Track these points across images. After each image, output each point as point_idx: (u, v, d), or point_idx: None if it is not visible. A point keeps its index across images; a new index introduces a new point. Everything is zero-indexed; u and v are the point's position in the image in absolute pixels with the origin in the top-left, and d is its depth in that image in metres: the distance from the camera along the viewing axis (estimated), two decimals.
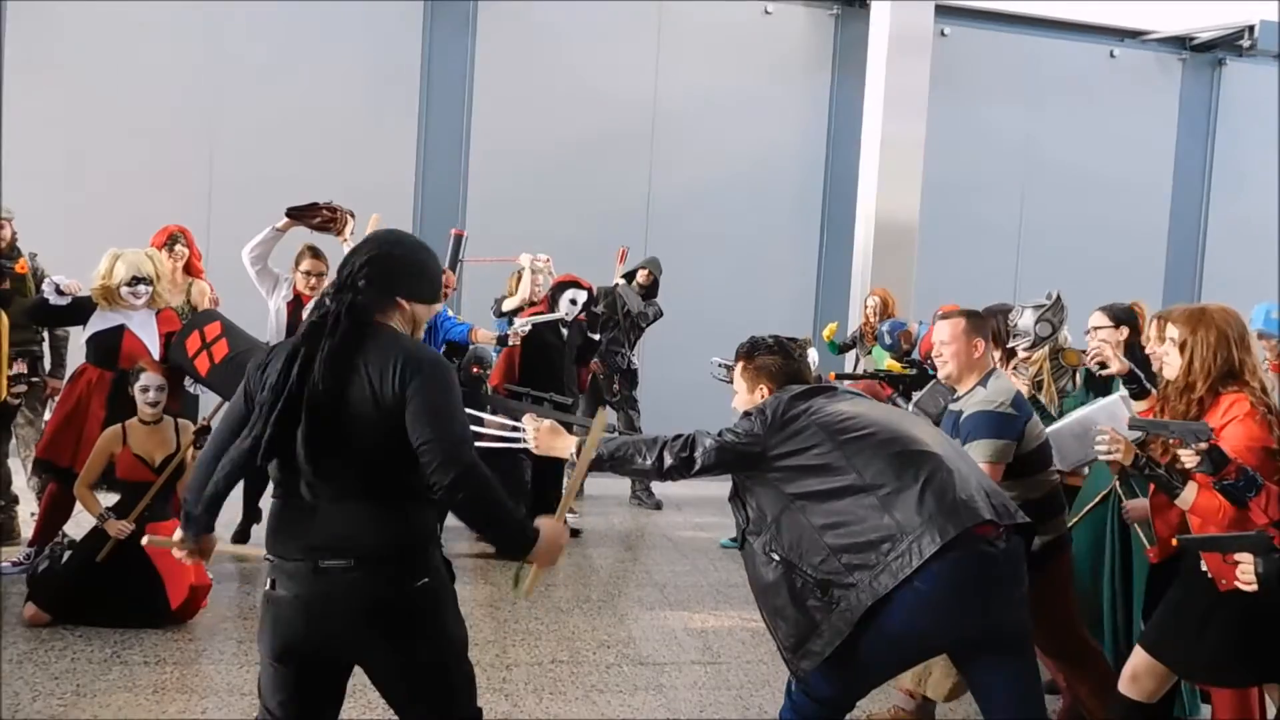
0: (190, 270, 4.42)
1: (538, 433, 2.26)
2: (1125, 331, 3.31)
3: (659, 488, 6.06)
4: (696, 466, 2.22)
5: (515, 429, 2.34)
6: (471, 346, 4.70)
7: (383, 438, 1.75)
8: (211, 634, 3.52)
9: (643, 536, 5.44)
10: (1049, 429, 2.89)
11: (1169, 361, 2.48)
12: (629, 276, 5.95)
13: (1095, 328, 3.34)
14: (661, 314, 6.03)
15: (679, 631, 3.85)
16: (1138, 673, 2.43)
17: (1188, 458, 2.22)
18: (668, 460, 2.23)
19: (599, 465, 2.22)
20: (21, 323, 4.05)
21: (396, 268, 1.85)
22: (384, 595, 1.76)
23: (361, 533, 1.76)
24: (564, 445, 2.26)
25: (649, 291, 5.97)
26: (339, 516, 1.76)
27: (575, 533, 5.27)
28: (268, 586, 1.83)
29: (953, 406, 2.80)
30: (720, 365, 4.23)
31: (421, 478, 1.74)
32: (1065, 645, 2.76)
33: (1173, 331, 2.48)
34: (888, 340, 5.44)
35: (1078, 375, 3.60)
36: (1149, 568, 2.86)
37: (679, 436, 2.26)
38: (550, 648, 3.61)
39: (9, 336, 3.80)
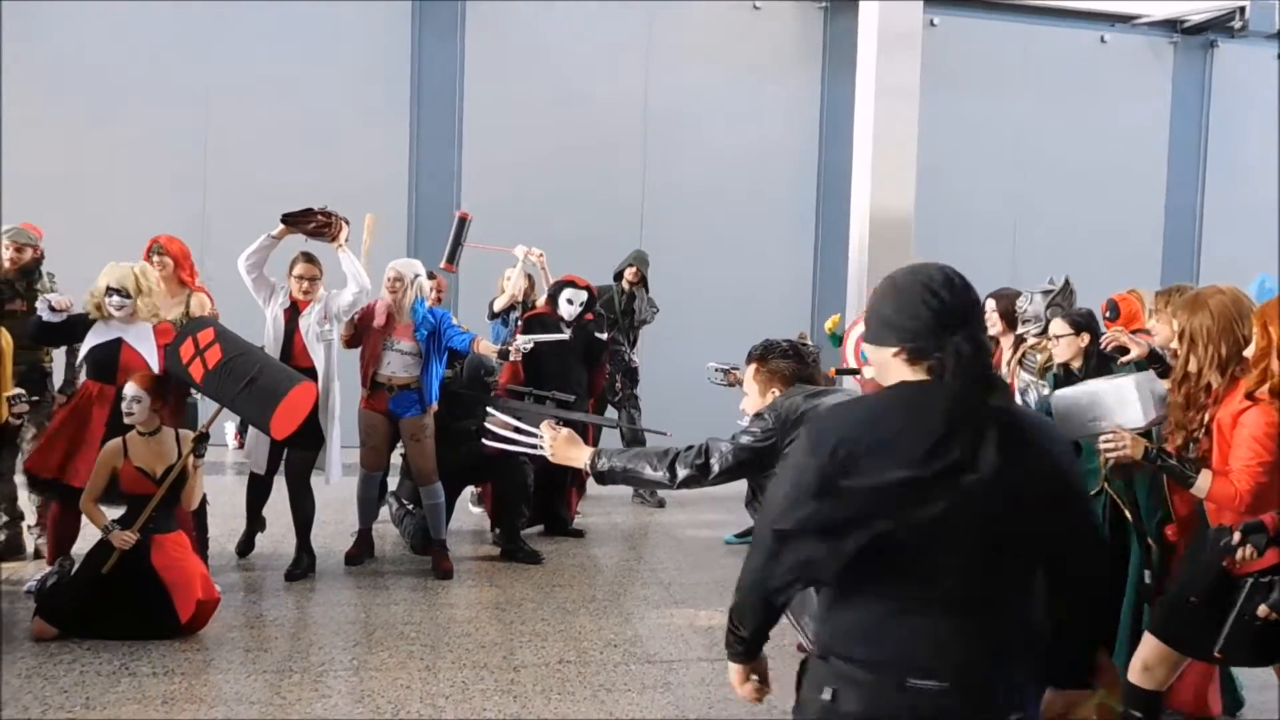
0: (184, 281, 4.42)
1: (554, 442, 2.23)
2: (1086, 338, 3.28)
3: None
4: (714, 472, 2.19)
5: (533, 435, 2.29)
6: (473, 355, 4.69)
7: None
8: (219, 644, 3.53)
9: (646, 535, 5.45)
10: (1056, 394, 2.87)
11: (1180, 351, 2.50)
12: (617, 276, 5.90)
13: (1056, 335, 3.34)
14: (657, 309, 6.01)
15: (685, 629, 3.86)
16: (1150, 662, 2.43)
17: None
18: (681, 471, 2.19)
19: (609, 479, 2.19)
20: (27, 344, 4.05)
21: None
22: None
23: None
24: (580, 455, 2.22)
25: (643, 285, 5.93)
26: None
27: (579, 533, 5.28)
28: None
29: None
30: (716, 370, 4.20)
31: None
32: None
33: (1176, 322, 2.50)
34: None
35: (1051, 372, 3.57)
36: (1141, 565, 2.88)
37: (691, 447, 2.23)
38: (557, 648, 3.62)
39: (19, 355, 3.76)
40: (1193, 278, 8.91)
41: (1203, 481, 2.33)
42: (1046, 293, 3.66)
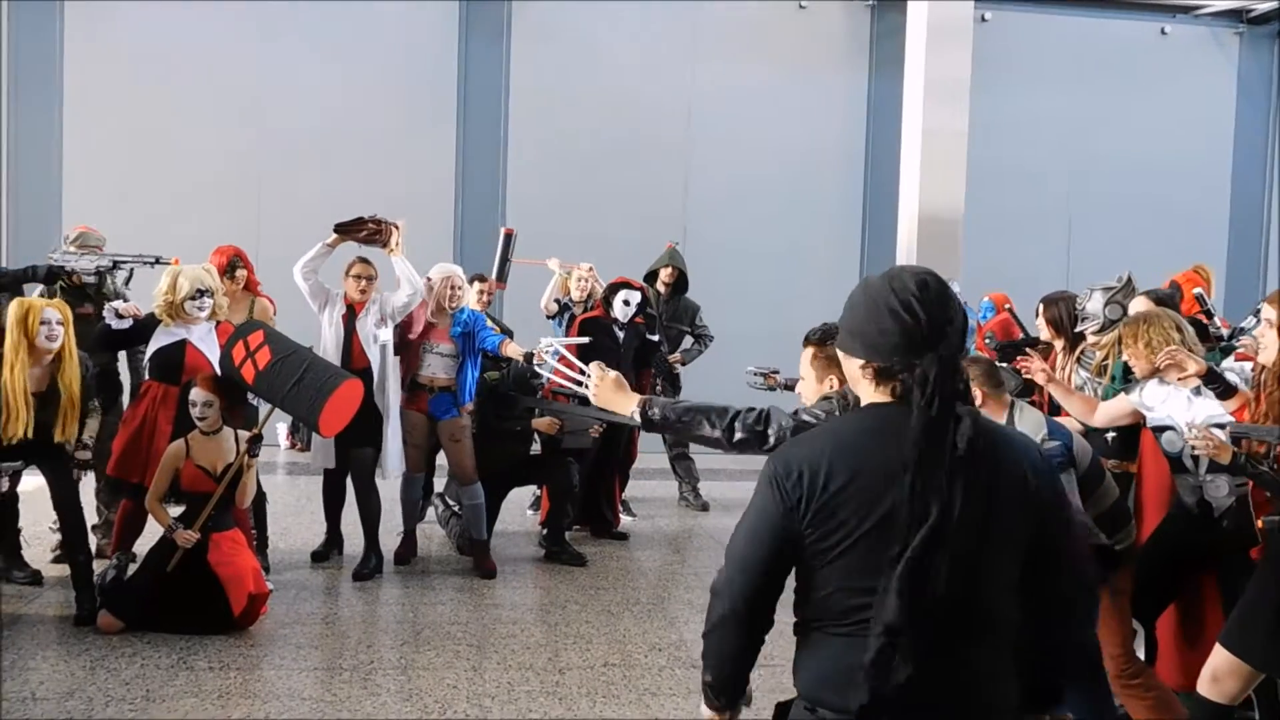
0: (249, 288, 4.53)
1: (600, 384, 2.10)
2: None
3: (705, 488, 6.04)
4: (770, 442, 2.08)
5: (582, 373, 2.16)
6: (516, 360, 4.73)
7: None
8: (272, 640, 3.62)
9: (690, 538, 5.42)
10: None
11: (1265, 344, 2.39)
12: (651, 277, 5.82)
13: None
14: (699, 316, 5.91)
15: None
16: (1219, 673, 2.35)
17: None
18: (739, 432, 2.07)
19: (662, 426, 2.08)
20: (98, 353, 4.18)
21: None
22: None
23: None
24: (625, 403, 2.08)
25: (678, 286, 5.86)
26: None
27: (622, 535, 5.28)
28: None
29: None
30: (756, 374, 4.16)
31: None
32: (1120, 660, 2.66)
33: (1269, 313, 2.38)
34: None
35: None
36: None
37: (753, 409, 2.11)
38: (602, 651, 3.63)
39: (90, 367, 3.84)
40: (1260, 275, 8.56)
41: None
42: (1107, 289, 3.55)
